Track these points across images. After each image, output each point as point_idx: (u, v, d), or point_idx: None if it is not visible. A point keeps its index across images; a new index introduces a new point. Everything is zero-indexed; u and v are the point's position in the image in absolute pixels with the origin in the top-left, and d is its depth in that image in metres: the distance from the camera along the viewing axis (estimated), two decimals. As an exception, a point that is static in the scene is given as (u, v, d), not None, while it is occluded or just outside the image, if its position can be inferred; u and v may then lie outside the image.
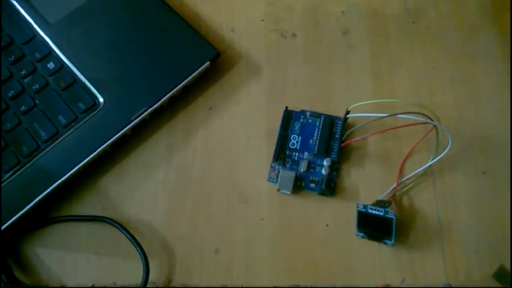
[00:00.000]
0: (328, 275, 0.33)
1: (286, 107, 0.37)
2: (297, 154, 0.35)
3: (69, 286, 0.33)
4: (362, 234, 0.33)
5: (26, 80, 0.37)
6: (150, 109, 0.36)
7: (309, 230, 0.34)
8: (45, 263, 0.34)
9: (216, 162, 0.36)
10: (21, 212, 0.33)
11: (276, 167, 0.35)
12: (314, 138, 0.36)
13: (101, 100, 0.36)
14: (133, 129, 0.35)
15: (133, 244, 0.33)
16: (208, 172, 0.36)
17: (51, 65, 0.37)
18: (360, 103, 0.34)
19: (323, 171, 0.35)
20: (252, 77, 0.39)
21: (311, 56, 0.40)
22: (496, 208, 0.34)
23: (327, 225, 0.34)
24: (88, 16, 0.39)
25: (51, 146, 0.35)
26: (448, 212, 0.34)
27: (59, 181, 0.33)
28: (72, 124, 0.35)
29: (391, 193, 0.34)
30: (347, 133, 0.36)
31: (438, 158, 0.33)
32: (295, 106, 0.37)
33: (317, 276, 0.33)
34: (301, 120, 0.36)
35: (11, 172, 0.34)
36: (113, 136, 0.35)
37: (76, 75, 0.37)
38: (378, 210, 0.32)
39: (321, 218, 0.34)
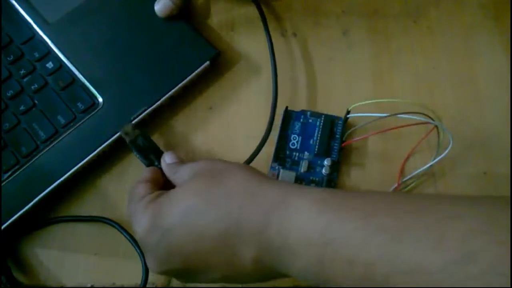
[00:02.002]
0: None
1: (286, 107, 0.37)
2: (297, 154, 0.35)
3: (68, 286, 0.33)
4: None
5: (25, 79, 0.37)
6: (150, 109, 0.35)
7: (309, 231, 0.34)
8: (44, 264, 0.34)
9: (216, 162, 0.36)
10: (20, 212, 0.32)
11: (276, 167, 0.35)
12: (315, 138, 0.36)
13: (100, 100, 0.36)
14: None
15: (132, 244, 0.33)
16: (208, 172, 0.36)
17: (50, 65, 0.37)
18: (361, 103, 0.34)
19: (324, 171, 0.34)
20: (252, 77, 0.39)
21: (311, 56, 0.40)
22: (497, 208, 0.34)
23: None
24: (87, 16, 0.39)
25: (50, 146, 0.34)
26: (449, 212, 0.34)
27: (58, 181, 0.33)
28: (71, 124, 0.35)
29: (391, 193, 0.34)
30: (347, 133, 0.36)
31: (439, 158, 0.33)
32: (295, 106, 0.37)
33: (317, 276, 0.33)
34: (301, 120, 0.36)
35: (10, 172, 0.34)
36: (112, 136, 0.34)
37: (75, 74, 0.37)
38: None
39: (321, 218, 0.34)
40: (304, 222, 0.24)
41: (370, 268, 0.21)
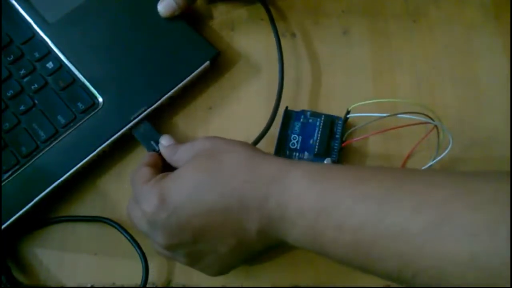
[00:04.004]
0: (328, 275, 0.33)
1: (286, 107, 0.37)
2: (297, 154, 0.35)
3: (68, 286, 0.33)
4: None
5: (25, 79, 0.37)
6: (150, 109, 0.35)
7: (309, 231, 0.34)
8: (44, 264, 0.34)
9: (216, 162, 0.36)
10: (20, 212, 0.32)
11: (276, 167, 0.35)
12: (315, 138, 0.36)
13: (100, 100, 0.36)
14: (132, 129, 0.35)
15: (132, 244, 0.33)
16: (207, 172, 0.36)
17: (50, 65, 0.37)
18: (361, 103, 0.34)
19: (323, 171, 0.34)
20: (252, 77, 0.39)
21: (311, 56, 0.40)
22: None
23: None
24: (87, 16, 0.39)
25: (50, 146, 0.34)
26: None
27: (58, 181, 0.33)
28: (71, 124, 0.35)
29: (391, 193, 0.34)
30: (347, 133, 0.36)
31: (439, 158, 0.33)
32: (295, 106, 0.37)
33: (317, 276, 0.33)
34: (301, 120, 0.36)
35: (10, 172, 0.34)
36: (112, 136, 0.34)
37: (75, 74, 0.37)
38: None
39: (321, 218, 0.34)
40: (299, 192, 0.25)
41: (357, 233, 0.23)
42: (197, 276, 0.33)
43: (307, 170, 0.26)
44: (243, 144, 0.29)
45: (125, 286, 0.33)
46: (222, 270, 0.30)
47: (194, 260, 0.29)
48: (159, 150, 0.34)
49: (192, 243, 0.27)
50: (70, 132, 0.35)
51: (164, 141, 0.33)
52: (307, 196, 0.25)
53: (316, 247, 0.25)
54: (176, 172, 0.28)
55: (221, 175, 0.27)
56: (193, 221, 0.27)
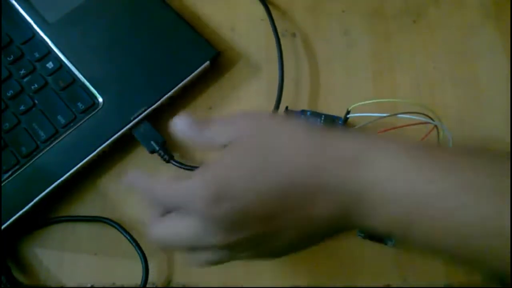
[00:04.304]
0: (328, 275, 0.33)
1: (286, 107, 0.36)
2: (297, 154, 0.35)
3: (68, 286, 0.33)
4: (363, 234, 0.33)
5: (25, 79, 0.37)
6: (150, 109, 0.35)
7: (309, 231, 0.34)
8: (44, 264, 0.34)
9: (216, 162, 0.36)
10: (20, 212, 0.32)
11: (276, 167, 0.35)
12: (314, 138, 0.35)
13: (100, 100, 0.36)
14: (132, 129, 0.35)
15: (132, 244, 0.33)
16: (207, 172, 0.36)
17: (50, 65, 0.37)
18: (361, 103, 0.34)
19: (323, 171, 0.34)
20: (252, 77, 0.39)
21: (311, 56, 0.40)
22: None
23: (327, 225, 0.34)
24: (87, 16, 0.39)
25: (50, 146, 0.34)
26: (449, 212, 0.34)
27: (58, 181, 0.33)
28: (71, 124, 0.35)
29: (391, 193, 0.34)
30: (347, 133, 0.36)
31: (439, 158, 0.33)
32: (295, 106, 0.37)
33: (317, 276, 0.33)
34: (302, 120, 0.36)
35: (10, 172, 0.34)
36: (112, 136, 0.35)
37: (75, 74, 0.37)
38: (379, 211, 0.32)
39: (321, 218, 0.34)
40: (389, 176, 0.22)
41: (465, 237, 0.20)
42: (197, 276, 0.33)
43: (401, 149, 0.22)
44: (299, 121, 0.26)
45: (125, 286, 0.33)
46: (279, 255, 0.26)
47: (255, 253, 0.25)
48: (159, 149, 0.34)
49: (255, 235, 0.24)
50: (70, 132, 0.35)
51: (181, 120, 0.27)
52: (401, 180, 0.21)
53: (401, 235, 0.23)
54: (225, 158, 0.24)
55: (281, 153, 0.23)
56: (257, 210, 0.23)
